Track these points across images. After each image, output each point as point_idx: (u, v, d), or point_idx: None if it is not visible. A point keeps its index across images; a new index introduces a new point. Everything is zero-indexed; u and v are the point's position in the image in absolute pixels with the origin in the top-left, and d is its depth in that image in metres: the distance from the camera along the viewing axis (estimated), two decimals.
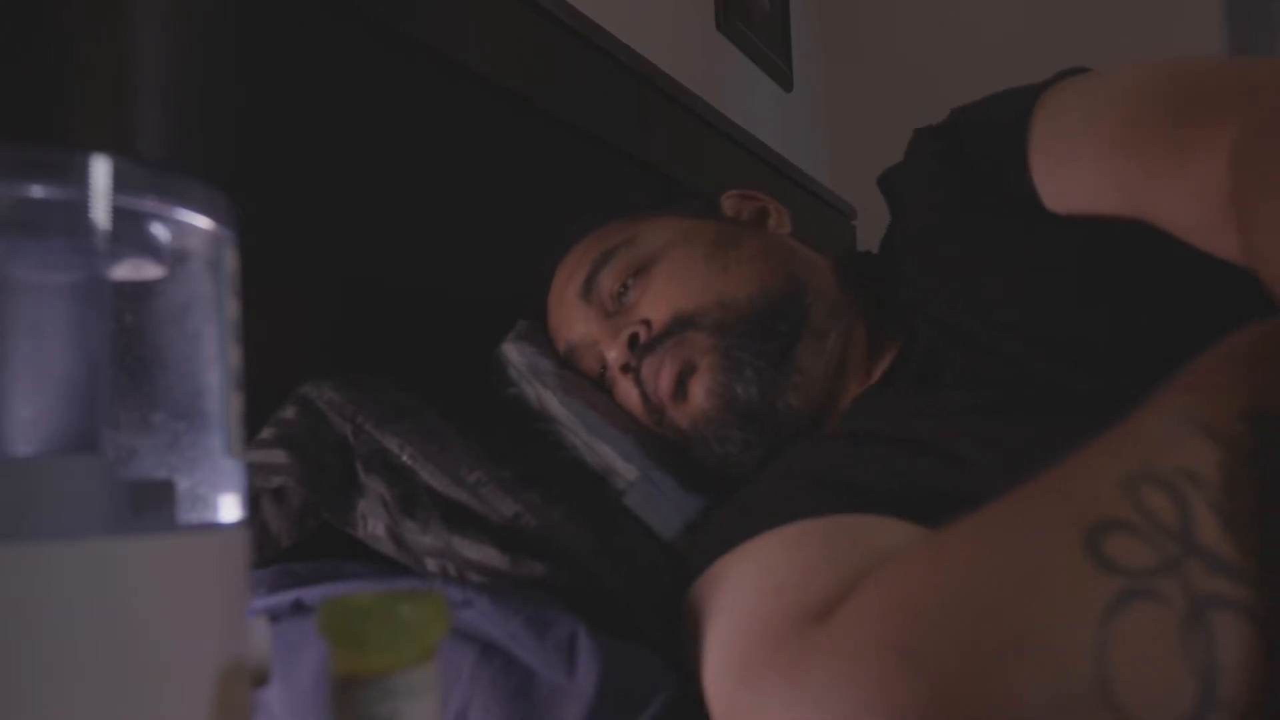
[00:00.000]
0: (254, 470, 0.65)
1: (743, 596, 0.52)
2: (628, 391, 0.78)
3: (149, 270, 0.28)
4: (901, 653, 0.36)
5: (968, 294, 0.69)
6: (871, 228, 2.25)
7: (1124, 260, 0.63)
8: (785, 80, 2.28)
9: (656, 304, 0.75)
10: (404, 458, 0.66)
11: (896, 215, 0.82)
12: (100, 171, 0.25)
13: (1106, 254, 0.63)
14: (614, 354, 0.76)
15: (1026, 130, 0.68)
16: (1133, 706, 0.33)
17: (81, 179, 0.25)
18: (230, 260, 0.30)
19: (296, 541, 0.66)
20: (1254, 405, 0.38)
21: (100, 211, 0.25)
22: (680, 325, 0.73)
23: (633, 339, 0.75)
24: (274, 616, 0.59)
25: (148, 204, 0.27)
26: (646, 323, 0.75)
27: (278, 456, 0.65)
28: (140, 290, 0.28)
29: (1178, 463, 0.37)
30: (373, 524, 0.64)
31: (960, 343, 0.68)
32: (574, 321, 0.81)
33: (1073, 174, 0.65)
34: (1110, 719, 0.33)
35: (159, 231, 0.28)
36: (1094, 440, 0.41)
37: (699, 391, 0.72)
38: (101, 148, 0.25)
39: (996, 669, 0.34)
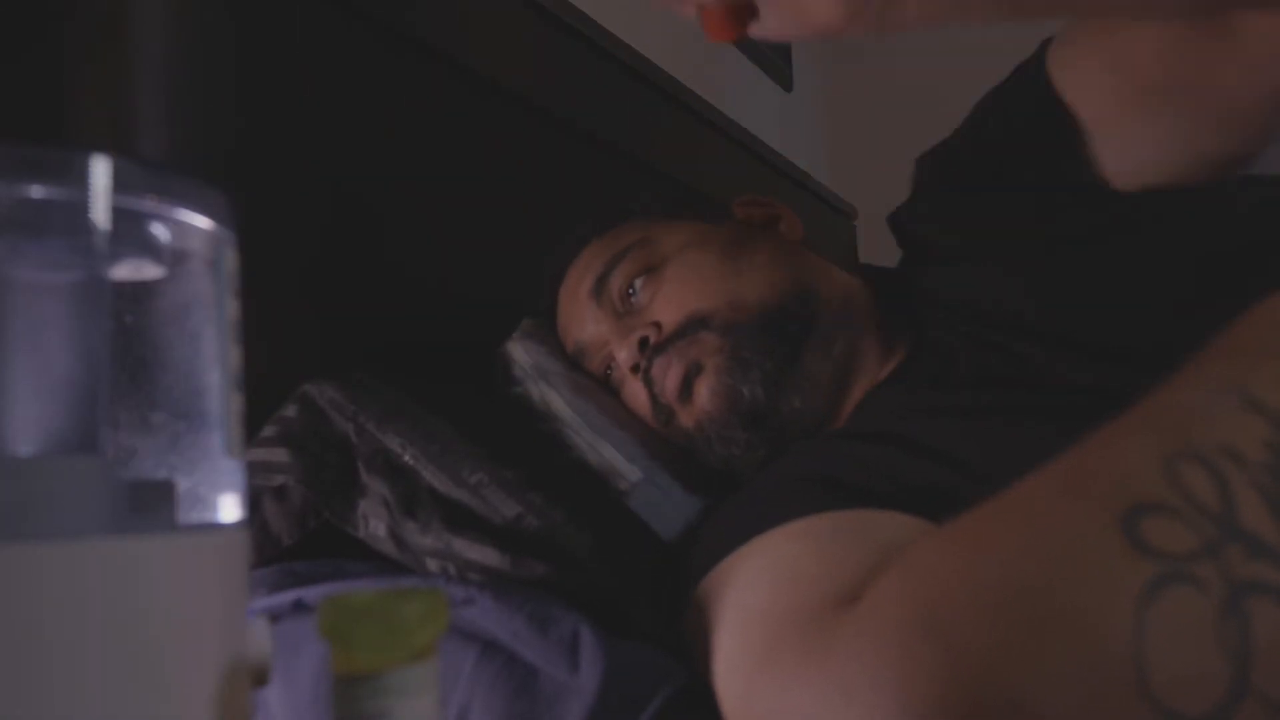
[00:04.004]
0: (255, 469, 0.65)
1: (755, 589, 0.52)
2: (635, 393, 0.78)
3: (149, 270, 0.28)
4: (929, 634, 0.35)
5: (975, 291, 0.70)
6: (872, 228, 2.25)
7: (1139, 254, 0.63)
8: (785, 80, 2.27)
9: (668, 306, 0.76)
10: (406, 458, 0.66)
11: (904, 245, 0.83)
12: (100, 171, 0.25)
13: (1120, 249, 0.63)
14: (624, 354, 0.77)
15: (1046, 68, 0.69)
16: (1165, 693, 0.32)
17: (81, 179, 0.25)
18: (230, 260, 0.30)
19: (297, 541, 0.66)
20: None
21: (100, 211, 0.25)
22: (694, 326, 0.73)
23: (643, 341, 0.75)
24: (274, 616, 0.59)
25: (148, 204, 0.27)
26: (657, 325, 0.75)
27: (279, 455, 0.65)
28: (140, 290, 0.28)
29: (1220, 440, 0.36)
30: (374, 524, 0.64)
31: (968, 342, 0.68)
32: (584, 321, 0.81)
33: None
34: (1143, 705, 0.32)
35: (159, 231, 0.28)
36: (1130, 414, 0.39)
37: (703, 392, 0.72)
38: (101, 148, 0.25)
39: (1026, 651, 0.33)
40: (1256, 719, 0.32)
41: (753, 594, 0.51)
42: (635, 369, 0.76)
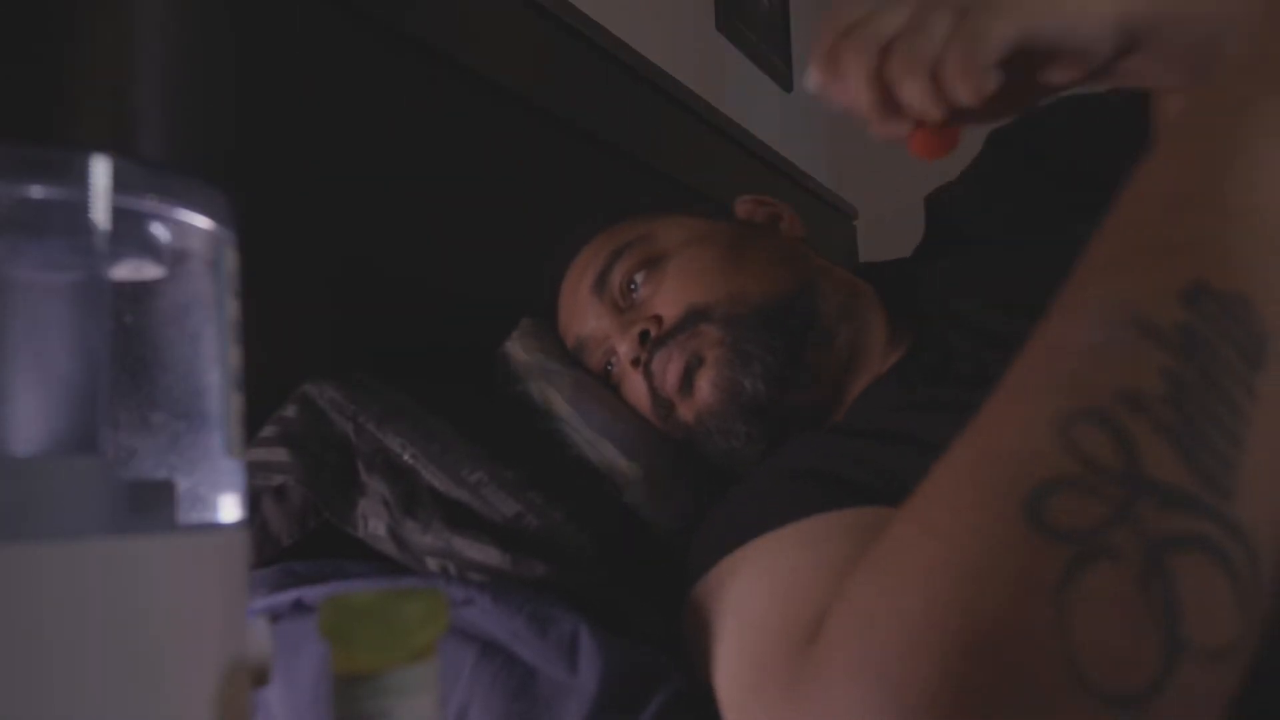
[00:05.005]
0: (255, 469, 0.65)
1: (752, 598, 0.51)
2: (635, 387, 0.78)
3: (149, 270, 0.28)
4: (877, 679, 0.33)
5: (977, 285, 0.70)
6: (871, 228, 2.25)
7: None
8: (785, 80, 2.28)
9: (669, 300, 0.76)
10: (406, 457, 0.66)
11: (932, 226, 0.84)
12: (100, 171, 0.25)
13: None
14: (625, 348, 0.77)
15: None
16: (1101, 678, 0.30)
17: (81, 179, 0.25)
18: (230, 260, 0.30)
19: (297, 541, 0.66)
20: (1190, 280, 0.34)
21: (100, 211, 0.25)
22: (694, 319, 0.73)
23: (644, 334, 0.75)
24: (275, 616, 0.59)
25: (148, 204, 0.27)
26: (658, 318, 0.75)
27: (279, 454, 0.65)
28: (140, 290, 0.28)
29: (1114, 385, 0.33)
30: (374, 524, 0.64)
31: (970, 337, 0.68)
32: (585, 316, 0.81)
33: None
34: (1083, 697, 0.30)
35: (159, 231, 0.28)
36: (1021, 367, 0.37)
37: (704, 385, 0.73)
38: (101, 148, 0.25)
39: (960, 674, 0.32)
40: (1199, 673, 0.31)
41: (750, 603, 0.51)
42: (636, 362, 0.76)
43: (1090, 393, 0.34)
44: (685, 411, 0.75)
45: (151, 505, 0.26)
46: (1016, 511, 0.33)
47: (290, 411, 0.69)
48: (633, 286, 0.79)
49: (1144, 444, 0.32)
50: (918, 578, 0.34)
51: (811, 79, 0.53)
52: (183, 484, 0.28)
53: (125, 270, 0.28)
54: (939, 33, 0.48)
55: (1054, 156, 0.76)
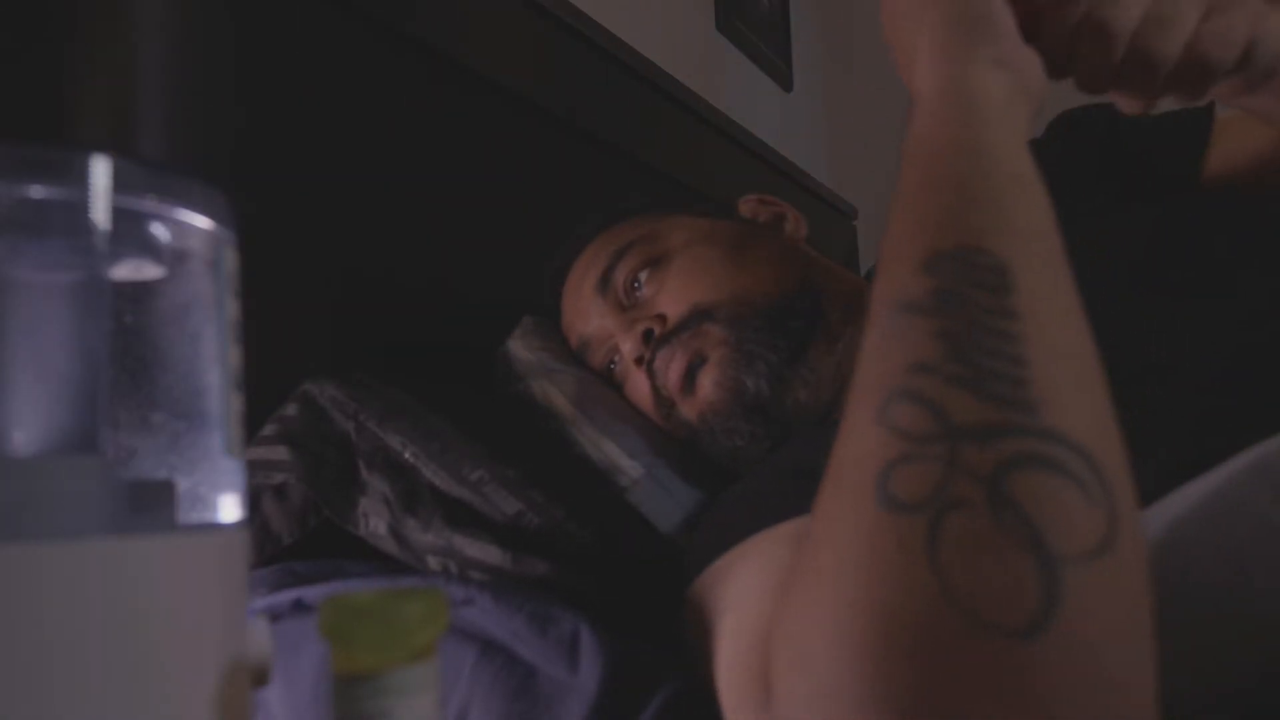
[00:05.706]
0: (256, 467, 0.65)
1: (748, 597, 0.52)
2: (638, 385, 0.78)
3: (149, 270, 0.28)
4: (821, 696, 0.34)
5: None
6: (872, 228, 2.25)
7: (1184, 253, 0.63)
8: (785, 80, 2.28)
9: (673, 299, 0.76)
10: (406, 455, 0.66)
11: None
12: (100, 171, 0.25)
13: (1170, 248, 0.63)
14: (629, 346, 0.77)
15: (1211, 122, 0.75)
16: (1000, 615, 0.31)
17: (81, 179, 0.25)
18: (230, 260, 0.30)
19: (297, 540, 0.66)
20: (925, 254, 0.39)
21: (100, 211, 0.25)
22: (698, 318, 0.74)
23: (647, 333, 0.75)
24: (275, 616, 0.59)
25: (148, 204, 0.27)
26: (662, 317, 0.76)
27: (279, 453, 0.65)
28: (140, 290, 0.28)
29: (903, 364, 0.37)
30: (374, 522, 0.64)
31: None
32: (589, 315, 0.82)
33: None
34: (991, 640, 0.31)
35: (159, 231, 0.28)
36: (848, 392, 0.41)
37: (707, 384, 0.73)
38: (101, 148, 0.25)
39: (893, 667, 0.32)
40: (1086, 577, 0.32)
41: (746, 600, 0.51)
42: (640, 360, 0.76)
43: (888, 380, 0.37)
44: (688, 410, 0.75)
45: (151, 505, 0.26)
46: (870, 503, 0.35)
47: (291, 410, 0.69)
48: (636, 285, 0.79)
49: (944, 399, 0.35)
50: (819, 590, 0.36)
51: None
52: (183, 484, 0.28)
53: (125, 270, 0.28)
54: (1189, 22, 0.50)
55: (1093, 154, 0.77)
